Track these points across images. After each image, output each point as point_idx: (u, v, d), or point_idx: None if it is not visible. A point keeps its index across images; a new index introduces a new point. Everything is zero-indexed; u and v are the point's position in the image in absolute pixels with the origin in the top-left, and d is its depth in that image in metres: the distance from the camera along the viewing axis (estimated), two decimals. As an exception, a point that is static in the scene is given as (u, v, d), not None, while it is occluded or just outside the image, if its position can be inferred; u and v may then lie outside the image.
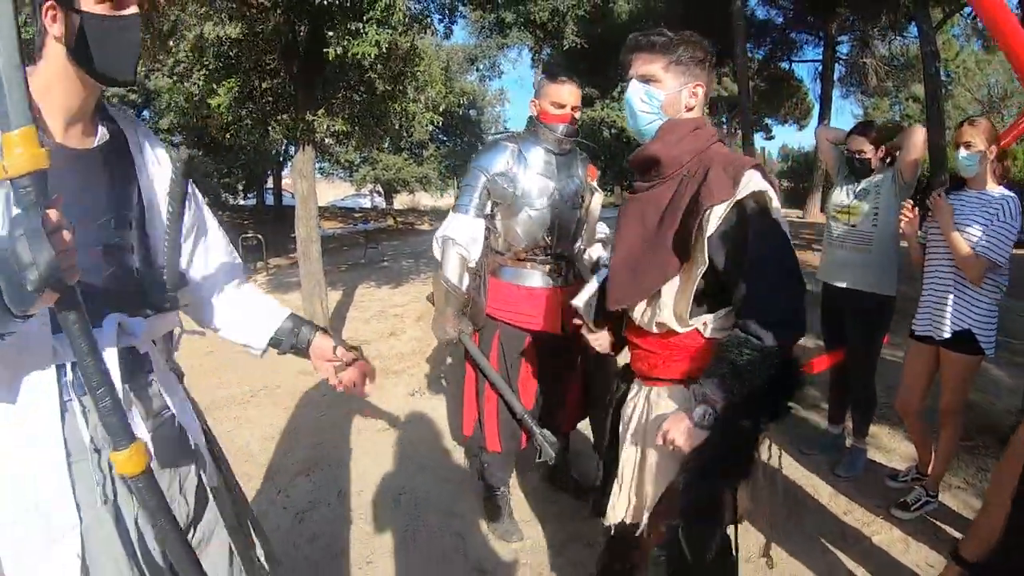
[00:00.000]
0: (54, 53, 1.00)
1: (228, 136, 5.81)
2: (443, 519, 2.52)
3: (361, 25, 3.82)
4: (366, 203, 26.22)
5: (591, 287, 1.63)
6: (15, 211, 0.81)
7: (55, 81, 1.01)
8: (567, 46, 13.64)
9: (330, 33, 4.03)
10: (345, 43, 3.86)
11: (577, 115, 2.27)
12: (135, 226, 1.12)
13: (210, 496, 1.21)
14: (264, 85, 5.05)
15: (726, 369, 1.27)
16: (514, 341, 2.36)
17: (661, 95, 1.40)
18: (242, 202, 21.41)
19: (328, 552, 2.34)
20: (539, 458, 2.29)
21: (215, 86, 4.90)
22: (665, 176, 1.41)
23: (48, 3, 0.97)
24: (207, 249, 1.29)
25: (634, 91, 1.42)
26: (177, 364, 1.28)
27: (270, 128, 5.11)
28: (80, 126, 1.07)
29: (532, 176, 2.26)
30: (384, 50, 3.92)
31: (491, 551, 2.34)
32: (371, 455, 3.04)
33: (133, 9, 1.02)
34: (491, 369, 2.30)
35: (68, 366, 1.01)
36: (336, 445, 3.14)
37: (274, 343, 1.34)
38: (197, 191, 1.26)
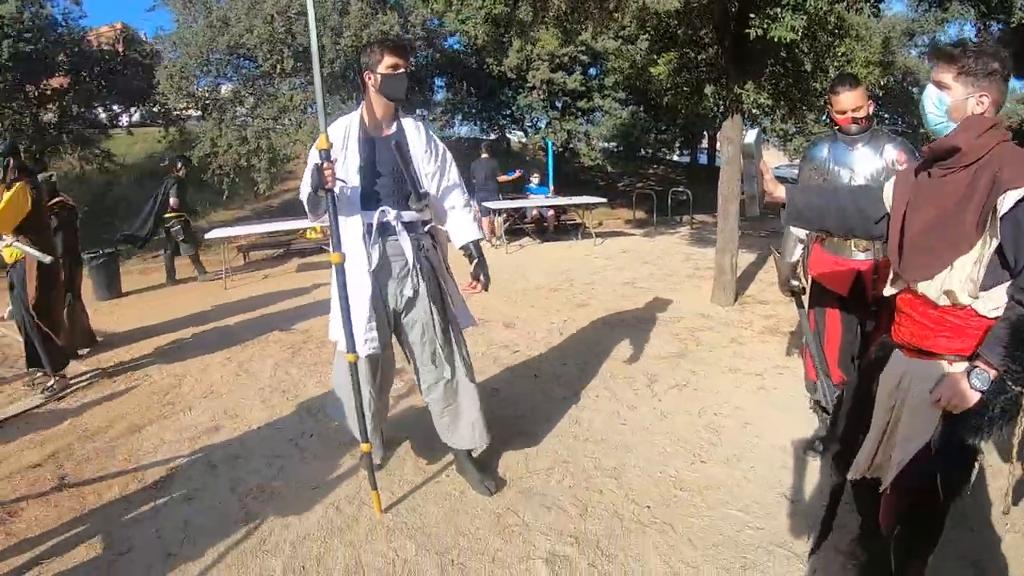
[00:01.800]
0: (371, 91, 2.46)
1: (665, 100, 6.96)
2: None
3: (779, 10, 4.39)
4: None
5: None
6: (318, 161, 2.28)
7: (373, 103, 2.48)
8: (1016, 22, 10.84)
9: (751, 15, 4.56)
10: (765, 26, 4.47)
11: (861, 113, 2.68)
12: (403, 169, 2.47)
13: (422, 291, 2.56)
14: (699, 57, 5.72)
15: (1010, 339, 1.46)
16: (825, 302, 2.91)
17: (948, 100, 1.59)
18: (676, 158, 23.11)
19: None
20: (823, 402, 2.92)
21: (656, 56, 6.02)
22: (963, 164, 1.57)
23: (367, 72, 2.44)
24: (443, 182, 2.62)
25: (928, 94, 1.63)
26: (433, 248, 2.66)
27: (703, 96, 5.88)
28: (383, 123, 2.52)
29: (833, 168, 2.81)
30: (800, 35, 4.42)
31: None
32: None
33: (402, 71, 2.44)
34: (806, 322, 2.95)
35: (371, 224, 2.47)
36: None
37: (464, 248, 2.66)
38: (444, 151, 2.67)
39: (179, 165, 8.20)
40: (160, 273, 8.41)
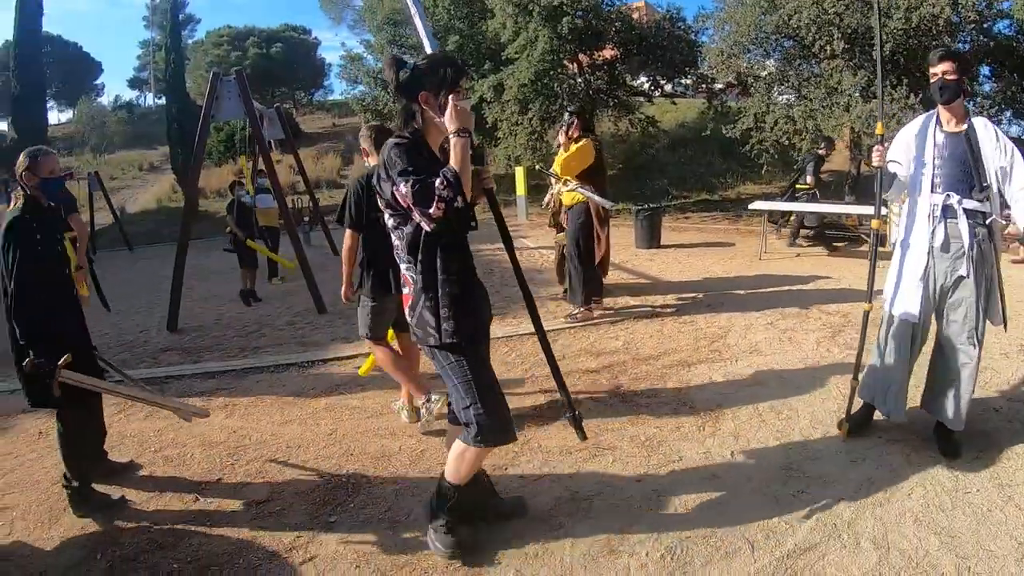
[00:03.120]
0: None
1: None
2: None
3: None
4: None
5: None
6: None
7: (946, 106, 2.97)
8: None
9: None
10: None
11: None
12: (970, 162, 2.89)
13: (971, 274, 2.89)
14: None
15: None
16: None
17: None
18: None
19: None
20: None
21: None
22: None
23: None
24: (1012, 177, 2.81)
25: None
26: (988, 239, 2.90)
27: None
28: (954, 120, 2.96)
29: None
30: None
31: None
32: None
33: (944, 78, 2.90)
34: None
35: (935, 205, 2.97)
36: None
37: None
38: (1013, 149, 2.84)
39: (822, 144, 9.30)
40: (686, 233, 9.82)
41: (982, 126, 2.93)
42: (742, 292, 6.44)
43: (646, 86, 15.34)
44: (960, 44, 9.92)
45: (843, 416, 3.33)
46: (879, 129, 3.03)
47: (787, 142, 10.52)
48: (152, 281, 9.56)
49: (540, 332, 2.53)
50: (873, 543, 2.45)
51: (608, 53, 14.55)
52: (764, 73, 10.93)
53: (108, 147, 31.97)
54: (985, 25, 9.60)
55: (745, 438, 3.34)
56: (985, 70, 10.51)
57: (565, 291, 5.97)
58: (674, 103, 17.16)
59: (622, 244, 10.01)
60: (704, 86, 14.00)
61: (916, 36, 9.07)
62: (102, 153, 30.90)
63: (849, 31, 9.27)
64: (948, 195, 2.93)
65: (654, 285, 6.60)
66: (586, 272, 5.45)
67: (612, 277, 7.55)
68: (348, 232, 3.44)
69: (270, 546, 2.61)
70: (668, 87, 15.53)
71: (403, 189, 2.05)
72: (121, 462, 3.36)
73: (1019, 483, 2.85)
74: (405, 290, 2.29)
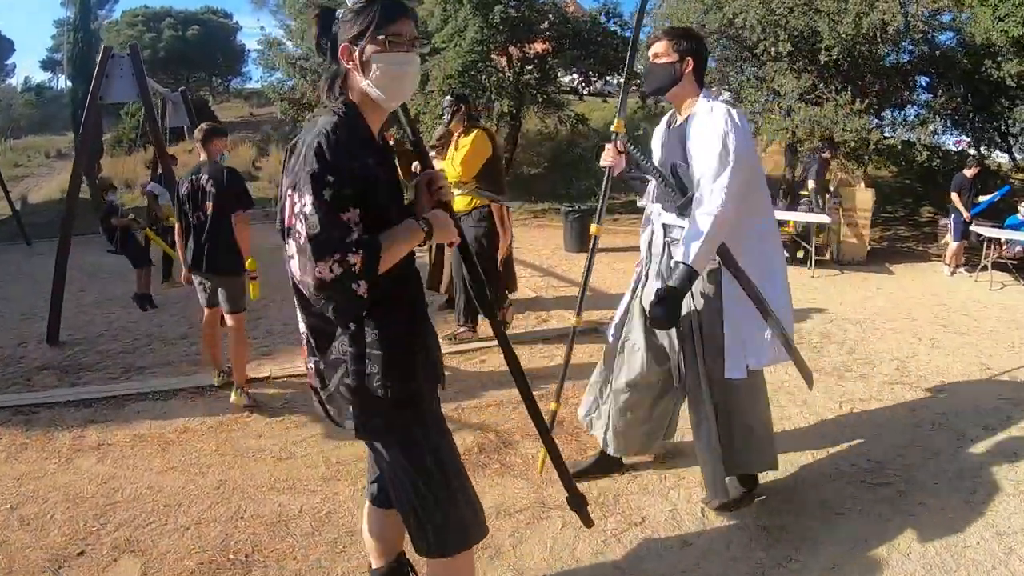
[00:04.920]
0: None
1: None
2: None
3: None
4: None
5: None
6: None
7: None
8: None
9: None
10: None
11: None
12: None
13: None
14: None
15: None
16: None
17: None
18: None
19: None
20: None
21: None
22: None
23: None
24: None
25: None
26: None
27: None
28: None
29: None
30: None
31: None
32: None
33: None
34: None
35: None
36: None
37: None
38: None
39: (825, 147, 8.87)
40: (617, 236, 9.53)
41: (704, 112, 2.35)
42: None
43: (576, 82, 14.94)
44: (903, 55, 9.98)
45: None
46: (616, 126, 2.58)
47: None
48: (44, 281, 8.38)
49: (519, 377, 1.84)
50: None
51: (540, 47, 14.02)
52: (706, 73, 10.69)
53: (14, 131, 29.46)
54: (930, 36, 9.64)
55: (713, 488, 2.91)
56: (922, 80, 10.64)
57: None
58: (605, 101, 16.80)
59: (550, 247, 9.63)
60: (637, 84, 13.61)
61: (864, 42, 8.99)
62: (7, 138, 28.41)
63: (796, 33, 9.12)
64: (658, 205, 2.56)
65: (592, 297, 6.14)
66: (474, 287, 4.94)
67: (540, 285, 7.15)
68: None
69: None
70: (599, 84, 15.16)
71: (306, 207, 1.35)
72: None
73: (1017, 530, 2.56)
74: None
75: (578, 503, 2.00)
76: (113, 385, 4.39)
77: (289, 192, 1.39)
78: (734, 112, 2.30)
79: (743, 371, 2.38)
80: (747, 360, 2.39)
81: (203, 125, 4.05)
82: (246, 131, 24.19)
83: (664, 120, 2.67)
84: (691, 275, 2.17)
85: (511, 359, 1.80)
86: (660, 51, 2.40)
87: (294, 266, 1.39)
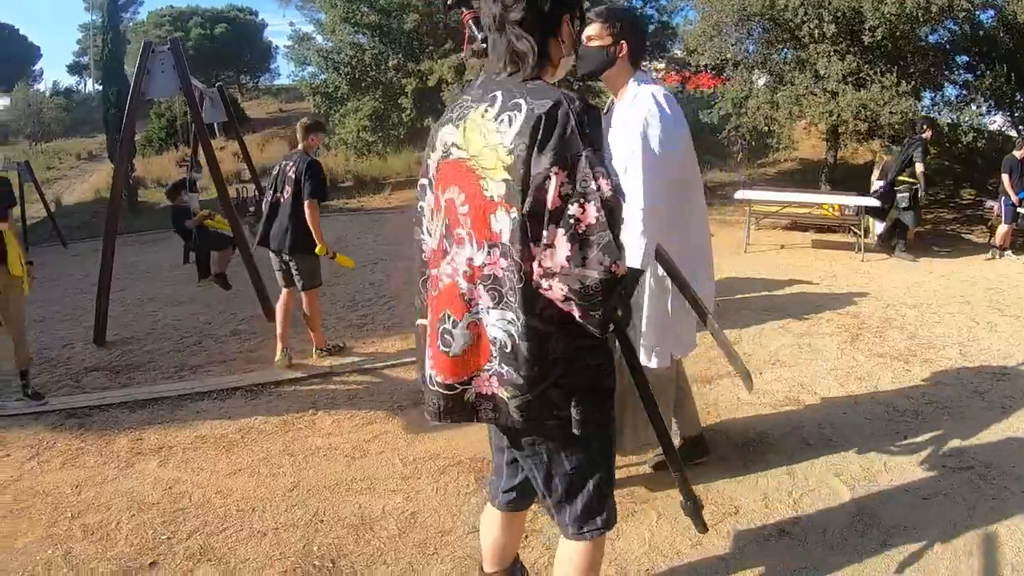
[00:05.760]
0: None
1: None
2: None
3: None
4: None
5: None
6: None
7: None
8: None
9: None
10: None
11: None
12: None
13: None
14: None
15: None
16: None
17: None
18: None
19: None
20: None
21: None
22: None
23: None
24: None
25: None
26: None
27: None
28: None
29: None
30: None
31: None
32: None
33: None
34: None
35: None
36: None
37: None
38: None
39: (924, 126, 7.71)
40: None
41: (628, 99, 2.28)
42: (738, 290, 5.93)
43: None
44: (944, 34, 9.62)
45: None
46: None
47: (766, 128, 10.01)
48: (83, 282, 8.44)
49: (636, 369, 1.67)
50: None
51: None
52: (742, 57, 10.36)
53: (45, 135, 29.98)
54: (973, 14, 9.25)
55: (801, 475, 2.77)
56: (961, 59, 10.24)
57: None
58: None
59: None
60: (677, 69, 13.34)
61: (907, 22, 8.63)
62: (39, 142, 28.90)
63: (839, 14, 8.79)
64: None
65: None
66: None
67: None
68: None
69: None
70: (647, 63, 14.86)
71: (605, 189, 1.22)
72: None
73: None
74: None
75: (694, 508, 1.86)
76: (169, 385, 4.32)
77: (555, 171, 1.24)
78: (660, 96, 2.23)
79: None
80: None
81: (305, 119, 4.58)
82: (277, 127, 24.30)
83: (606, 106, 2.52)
84: (635, 275, 2.13)
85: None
86: (593, 34, 2.30)
87: (557, 256, 1.23)
